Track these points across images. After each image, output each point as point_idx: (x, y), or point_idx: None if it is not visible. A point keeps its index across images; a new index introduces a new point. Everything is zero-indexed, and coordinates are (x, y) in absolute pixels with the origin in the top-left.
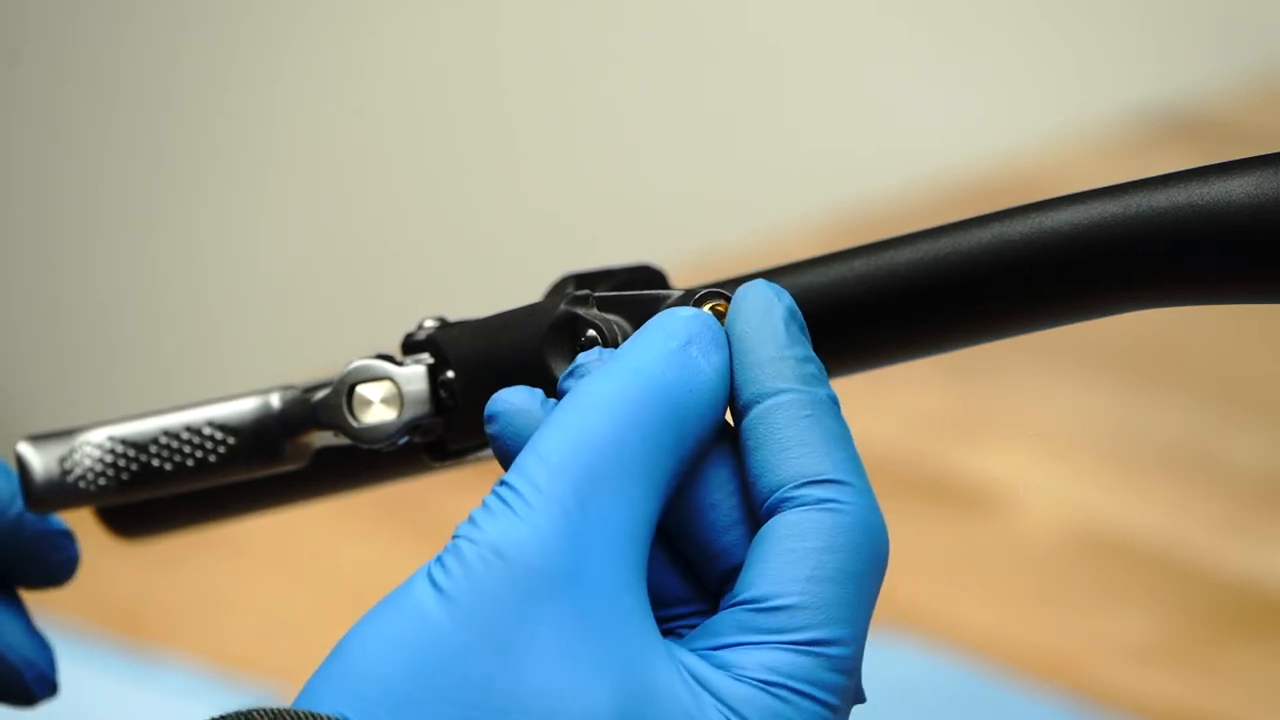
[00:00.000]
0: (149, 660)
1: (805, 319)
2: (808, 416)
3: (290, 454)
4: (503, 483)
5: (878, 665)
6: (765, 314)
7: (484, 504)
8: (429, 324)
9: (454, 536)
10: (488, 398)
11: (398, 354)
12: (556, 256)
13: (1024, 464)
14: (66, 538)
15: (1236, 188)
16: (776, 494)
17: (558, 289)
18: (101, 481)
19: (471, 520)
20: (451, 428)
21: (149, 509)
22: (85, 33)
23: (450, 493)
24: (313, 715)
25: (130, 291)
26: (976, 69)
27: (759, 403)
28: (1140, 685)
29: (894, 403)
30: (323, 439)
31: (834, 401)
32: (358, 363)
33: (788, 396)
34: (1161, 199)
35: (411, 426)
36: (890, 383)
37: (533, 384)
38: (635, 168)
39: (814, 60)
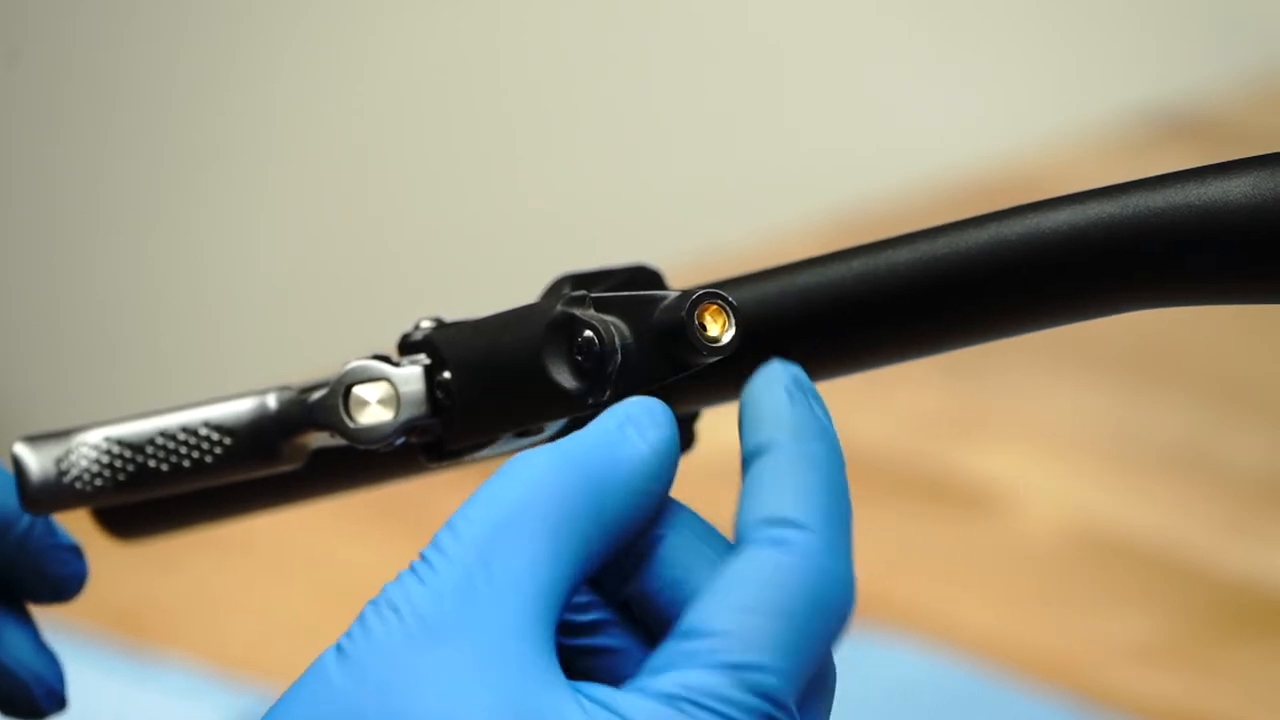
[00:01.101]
0: (149, 661)
1: (804, 319)
2: (790, 465)
3: (287, 454)
4: (421, 555)
5: (878, 665)
6: (769, 382)
7: (399, 575)
8: (426, 324)
9: (362, 611)
10: (484, 398)
11: (394, 355)
12: (555, 256)
13: (1024, 464)
14: (74, 553)
15: (1235, 188)
16: (737, 538)
17: (554, 289)
18: (98, 482)
19: (382, 591)
20: (448, 428)
21: (146, 510)
22: (85, 33)
23: (448, 493)
24: None
25: (130, 291)
26: (976, 69)
27: (750, 459)
28: (1140, 685)
29: (894, 403)
30: (319, 439)
31: (830, 455)
32: (354, 363)
33: (775, 449)
34: (1160, 199)
35: (408, 427)
36: (890, 383)
37: (529, 384)
38: (635, 168)
39: (814, 60)
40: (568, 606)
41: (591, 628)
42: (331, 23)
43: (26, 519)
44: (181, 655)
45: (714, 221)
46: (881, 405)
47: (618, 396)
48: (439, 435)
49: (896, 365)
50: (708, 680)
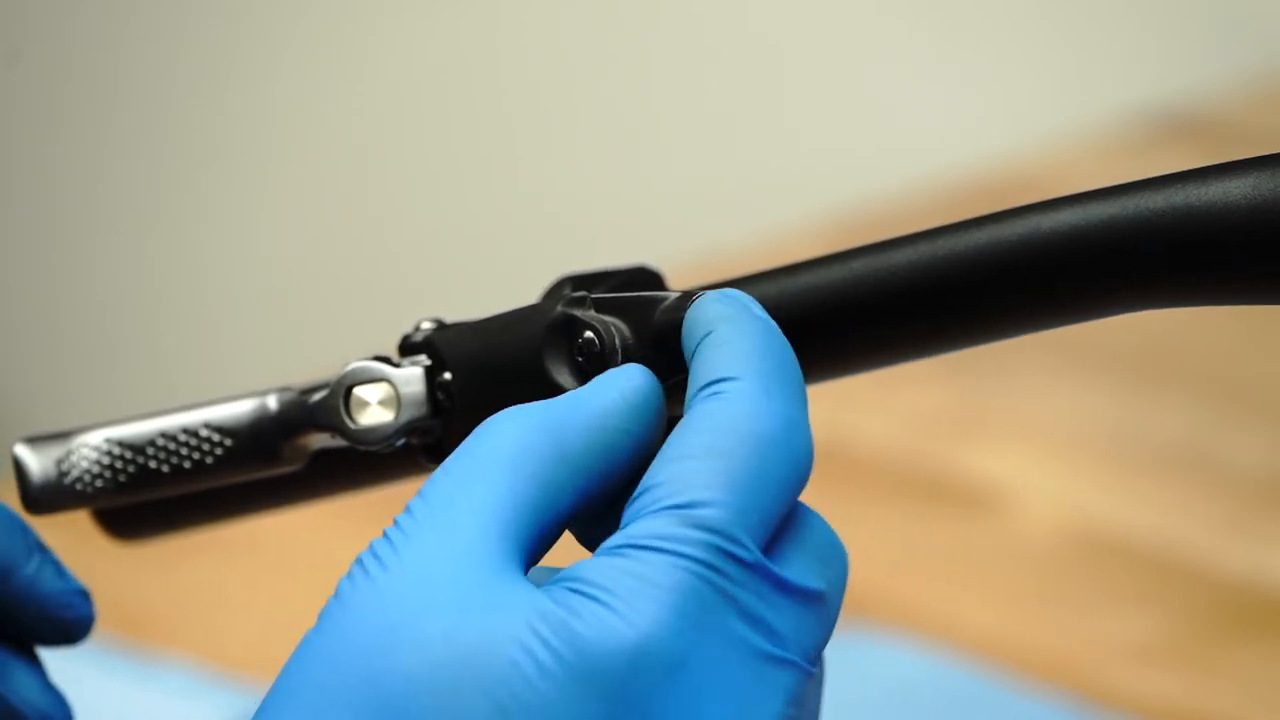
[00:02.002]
0: (149, 660)
1: (804, 319)
2: (722, 344)
3: (287, 455)
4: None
5: (878, 665)
6: (704, 298)
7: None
8: (426, 325)
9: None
10: (485, 399)
11: (395, 356)
12: (556, 257)
13: (1024, 464)
14: (81, 597)
15: (1235, 188)
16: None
17: (555, 290)
18: (99, 483)
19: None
20: (449, 429)
21: (146, 511)
22: (85, 33)
23: None
24: None
25: (130, 291)
26: (976, 69)
27: (690, 357)
28: (1140, 685)
29: (894, 403)
30: (320, 440)
31: (764, 327)
32: (355, 364)
33: (710, 336)
34: (1160, 199)
35: (409, 428)
36: (891, 383)
37: (530, 385)
38: (635, 168)
39: (814, 60)
40: (550, 537)
41: None
42: (332, 23)
43: (34, 562)
44: (181, 655)
45: (714, 221)
46: (882, 405)
47: None
48: (439, 436)
49: (897, 365)
50: (650, 524)
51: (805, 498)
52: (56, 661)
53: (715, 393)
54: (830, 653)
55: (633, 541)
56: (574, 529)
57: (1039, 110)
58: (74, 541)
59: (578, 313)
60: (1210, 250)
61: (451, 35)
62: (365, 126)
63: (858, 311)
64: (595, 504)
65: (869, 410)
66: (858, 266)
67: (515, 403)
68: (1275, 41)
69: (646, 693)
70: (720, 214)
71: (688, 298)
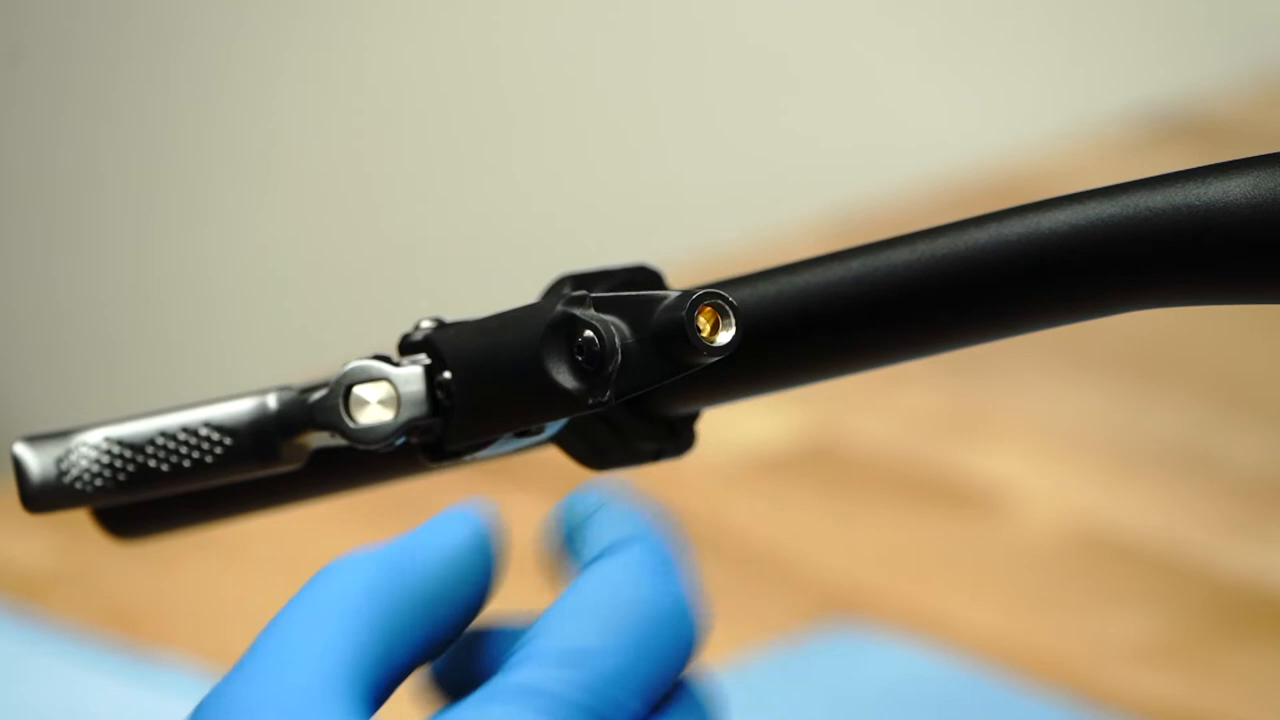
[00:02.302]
0: (147, 660)
1: (803, 319)
2: (608, 523)
3: (287, 455)
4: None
5: (878, 665)
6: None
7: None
8: (426, 325)
9: None
10: (485, 398)
11: (394, 355)
12: (556, 256)
13: (1024, 464)
14: None
15: (1235, 188)
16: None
17: (554, 289)
18: (98, 483)
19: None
20: (449, 428)
21: (145, 510)
22: (85, 33)
23: (449, 494)
24: None
25: (130, 291)
26: (977, 69)
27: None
28: (1140, 685)
29: (894, 403)
30: (320, 440)
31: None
32: (354, 363)
33: (599, 512)
34: (1160, 199)
35: (409, 427)
36: (890, 383)
37: (529, 384)
38: (635, 168)
39: (814, 60)
40: (391, 685)
41: None
42: (332, 22)
43: None
44: (181, 655)
45: (714, 221)
46: (882, 405)
47: (618, 396)
48: (439, 435)
49: (896, 365)
50: (537, 675)
51: (804, 497)
52: (56, 661)
53: (601, 561)
54: (830, 652)
55: (506, 689)
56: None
57: (1039, 110)
58: (74, 541)
59: (578, 312)
60: (1210, 249)
61: (452, 35)
62: (365, 126)
63: (857, 311)
64: (439, 647)
65: (868, 410)
66: (857, 265)
67: (515, 402)
68: (1275, 41)
69: None
70: (720, 214)
71: (687, 297)
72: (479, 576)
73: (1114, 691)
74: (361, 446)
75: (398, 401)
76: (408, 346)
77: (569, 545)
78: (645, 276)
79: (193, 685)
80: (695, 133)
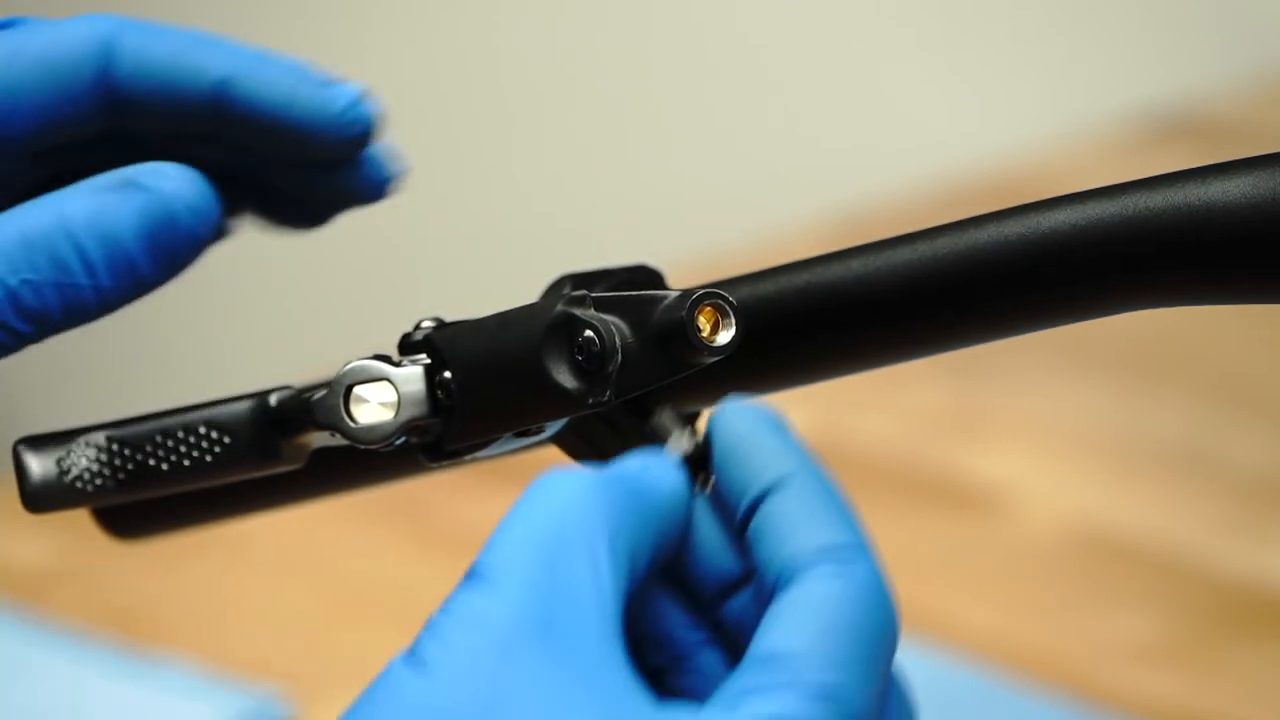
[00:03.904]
0: (149, 661)
1: (803, 319)
2: (814, 498)
3: (287, 455)
4: (470, 570)
5: None
6: (749, 421)
7: (455, 589)
8: (426, 324)
9: (426, 624)
10: (485, 398)
11: (394, 355)
12: (556, 256)
13: (1024, 464)
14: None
15: (1234, 188)
16: (787, 569)
17: (555, 289)
18: (98, 482)
19: (444, 604)
20: (448, 428)
21: (146, 510)
22: None
23: (449, 493)
24: None
25: None
26: (977, 69)
27: (765, 496)
28: (1140, 685)
29: (894, 403)
30: (320, 439)
31: (832, 482)
32: (355, 363)
33: (792, 481)
34: (1159, 199)
35: (409, 427)
36: (890, 383)
37: (530, 384)
38: (635, 168)
39: (815, 61)
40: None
41: (687, 646)
42: (332, 22)
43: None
44: (181, 655)
45: (714, 221)
46: (882, 405)
47: (618, 396)
48: (439, 435)
49: (897, 365)
50: (798, 706)
51: None
52: (57, 661)
53: (842, 564)
54: None
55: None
56: None
57: (1039, 110)
58: (75, 541)
59: (578, 311)
60: (1209, 249)
61: (452, 35)
62: None
63: (857, 310)
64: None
65: (869, 410)
66: (857, 265)
67: (515, 402)
68: (1275, 41)
69: None
70: (720, 214)
71: (687, 297)
72: (684, 522)
73: (1114, 691)
74: (362, 446)
75: (398, 401)
76: (408, 346)
77: (726, 467)
78: (645, 276)
79: (194, 685)
80: (695, 133)
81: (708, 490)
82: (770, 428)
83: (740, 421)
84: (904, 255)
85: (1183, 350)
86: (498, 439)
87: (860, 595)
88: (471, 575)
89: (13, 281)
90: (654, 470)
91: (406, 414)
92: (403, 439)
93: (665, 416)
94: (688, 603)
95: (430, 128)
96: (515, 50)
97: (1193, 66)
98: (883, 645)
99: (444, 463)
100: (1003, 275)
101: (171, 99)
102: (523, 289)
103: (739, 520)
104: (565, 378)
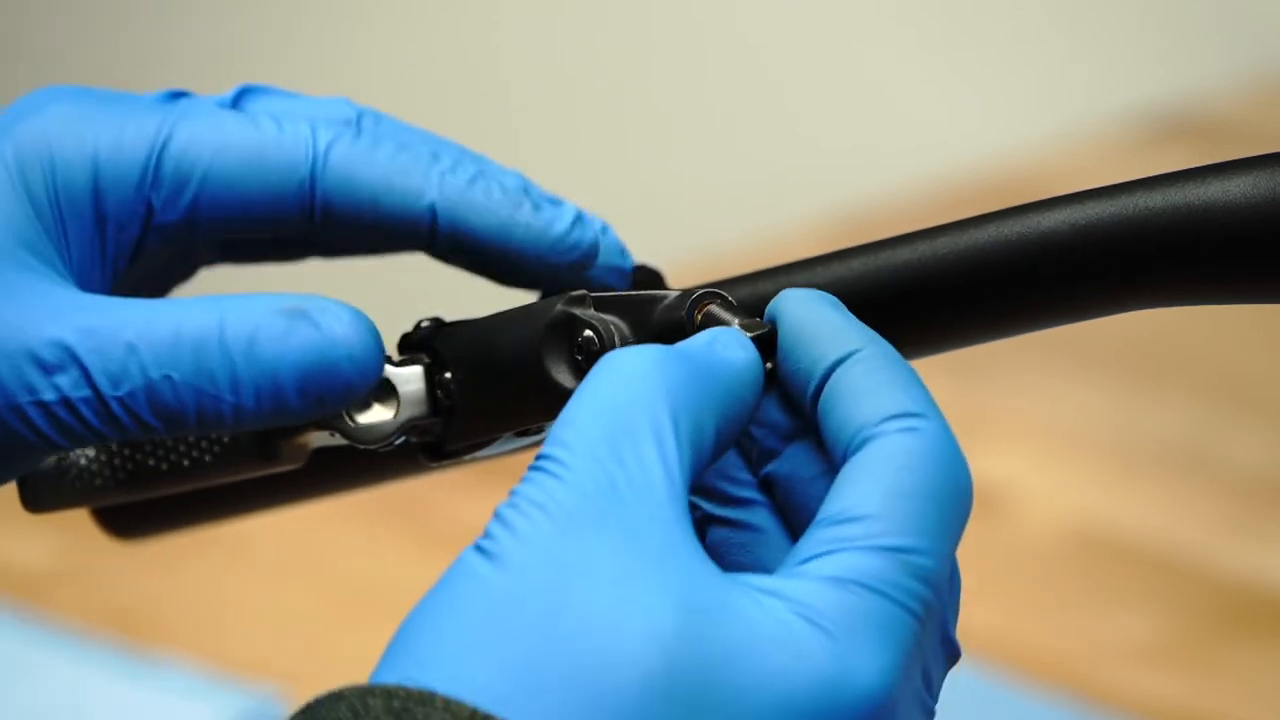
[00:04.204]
0: (149, 661)
1: None
2: (883, 367)
3: (287, 454)
4: (538, 456)
5: None
6: (813, 304)
7: (522, 479)
8: (426, 324)
9: (495, 513)
10: (485, 398)
11: (394, 354)
12: None
13: (1024, 464)
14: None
15: (1233, 188)
16: (858, 436)
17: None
18: (98, 481)
19: (511, 494)
20: (448, 428)
21: (146, 509)
22: (85, 32)
23: (450, 493)
24: (405, 691)
25: None
26: (977, 69)
27: (835, 368)
28: (1140, 685)
29: None
30: (320, 439)
31: (897, 353)
32: None
33: (862, 353)
34: (1158, 199)
35: (408, 427)
36: None
37: (529, 384)
38: (635, 168)
39: (814, 61)
40: (712, 479)
41: (742, 503)
42: (332, 21)
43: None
44: (181, 655)
45: (714, 221)
46: None
47: None
48: (439, 435)
49: None
50: (870, 563)
51: None
52: (57, 661)
53: (911, 429)
54: None
55: (858, 579)
56: None
57: (1039, 110)
58: (74, 541)
59: (577, 311)
60: (1209, 249)
61: (452, 34)
62: None
63: (857, 310)
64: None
65: None
66: (857, 265)
67: (515, 402)
68: (1275, 41)
69: None
70: (720, 214)
71: (687, 297)
72: (754, 397)
73: (1114, 691)
74: (361, 446)
75: (397, 401)
76: (408, 346)
77: (794, 345)
78: (645, 276)
79: (194, 685)
80: (695, 133)
81: (772, 370)
82: (833, 306)
83: (804, 302)
84: (904, 255)
85: (1183, 350)
86: (498, 439)
87: (932, 457)
88: (537, 463)
89: (155, 375)
90: (722, 343)
91: (406, 414)
92: (402, 439)
93: (719, 308)
94: (744, 455)
95: (430, 127)
96: (515, 50)
97: (1193, 66)
98: (955, 507)
99: (444, 462)
100: (1002, 275)
101: (378, 222)
102: (522, 289)
103: (810, 395)
104: (565, 377)
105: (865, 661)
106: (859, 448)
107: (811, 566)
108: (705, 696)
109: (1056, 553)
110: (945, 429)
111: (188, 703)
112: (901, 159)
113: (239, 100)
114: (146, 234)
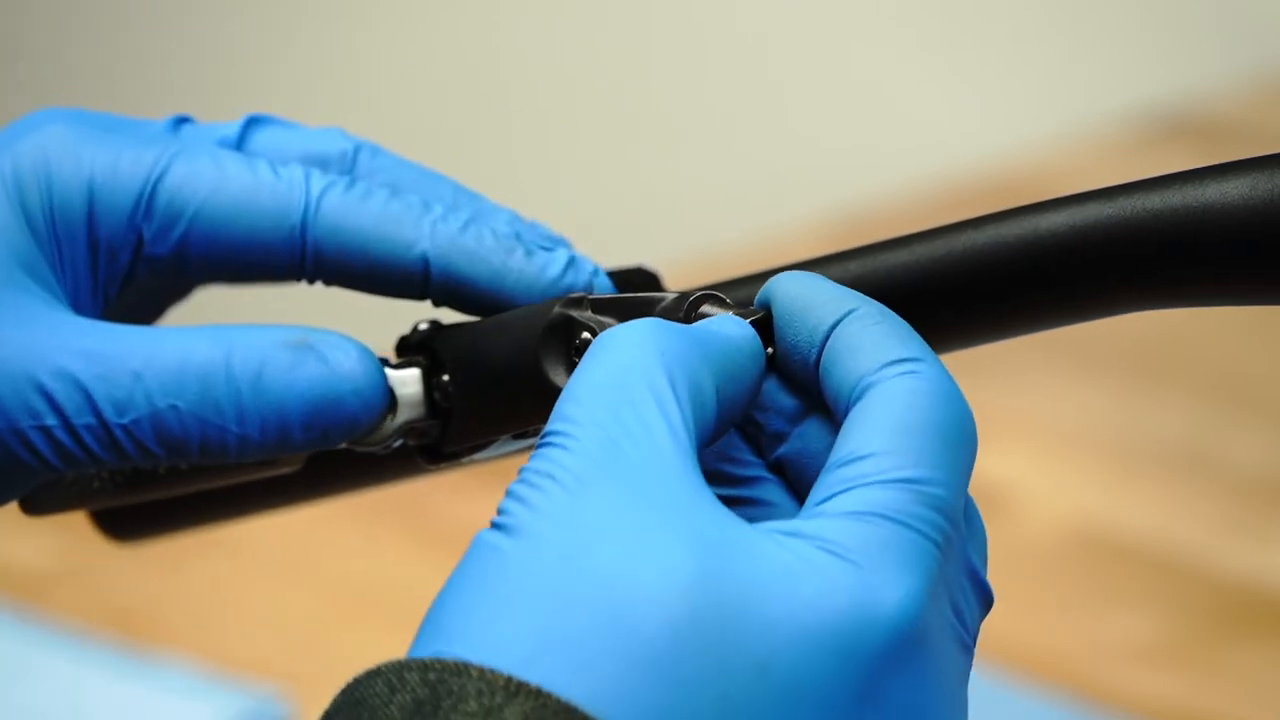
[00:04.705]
0: (149, 661)
1: None
2: (878, 322)
3: (285, 457)
4: (544, 434)
5: None
6: (803, 279)
7: (530, 457)
8: (423, 327)
9: (507, 492)
10: (482, 400)
11: (392, 357)
12: None
13: (1025, 464)
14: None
15: (1232, 189)
16: (859, 385)
17: None
18: (96, 485)
19: (520, 472)
20: (446, 430)
21: (143, 512)
22: (85, 32)
23: (449, 494)
24: (440, 663)
25: None
26: (978, 69)
27: (834, 329)
28: (1140, 685)
29: None
30: None
31: (892, 311)
32: None
33: (857, 312)
34: (1157, 200)
35: (406, 429)
36: None
37: (527, 386)
38: (635, 168)
39: (814, 61)
40: (714, 457)
41: (750, 481)
42: (333, 21)
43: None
44: (181, 655)
45: (714, 221)
46: None
47: None
48: (437, 437)
49: None
50: (885, 495)
51: None
52: (57, 661)
53: (910, 372)
54: None
55: (877, 510)
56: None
57: (1039, 110)
58: (74, 542)
59: (575, 313)
60: (1208, 251)
61: (452, 34)
62: (363, 124)
63: None
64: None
65: None
66: (854, 267)
67: (513, 404)
68: (1275, 41)
69: (896, 664)
70: (720, 214)
71: (684, 298)
72: (754, 367)
73: (1114, 691)
74: (359, 448)
75: (395, 403)
76: (405, 348)
77: (790, 319)
78: (643, 278)
79: (194, 685)
80: (696, 133)
81: (772, 354)
82: (823, 280)
83: (794, 279)
84: (903, 257)
85: (1183, 350)
86: (496, 441)
87: (934, 396)
88: (543, 439)
89: (161, 404)
90: (717, 322)
91: (404, 416)
92: (400, 441)
93: (714, 308)
94: (752, 442)
95: (430, 127)
96: (515, 50)
97: (1193, 66)
98: (959, 439)
99: (442, 464)
100: (1002, 277)
101: (370, 270)
102: None
103: (811, 363)
104: (563, 379)
105: (891, 586)
106: (861, 395)
107: (828, 506)
108: (733, 632)
109: (1056, 553)
110: (945, 372)
111: (188, 703)
112: (901, 159)
113: (245, 130)
114: (137, 263)
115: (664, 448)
